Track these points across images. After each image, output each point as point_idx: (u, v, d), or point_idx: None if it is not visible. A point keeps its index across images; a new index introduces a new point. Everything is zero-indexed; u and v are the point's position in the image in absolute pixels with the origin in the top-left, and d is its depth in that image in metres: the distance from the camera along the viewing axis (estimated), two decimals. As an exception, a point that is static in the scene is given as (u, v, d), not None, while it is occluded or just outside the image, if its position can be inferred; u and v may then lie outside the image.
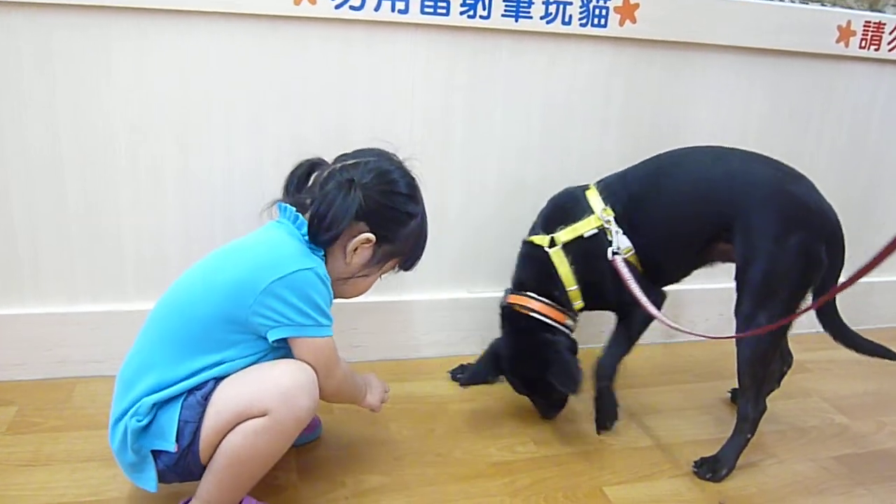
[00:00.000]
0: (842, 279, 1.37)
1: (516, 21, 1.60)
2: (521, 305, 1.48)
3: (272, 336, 1.08)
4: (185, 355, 1.07)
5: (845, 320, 1.44)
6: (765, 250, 1.33)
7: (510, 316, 1.51)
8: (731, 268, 1.46)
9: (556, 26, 1.63)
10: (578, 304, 1.49)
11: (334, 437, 1.43)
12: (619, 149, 1.79)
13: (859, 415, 1.67)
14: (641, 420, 1.56)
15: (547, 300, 1.48)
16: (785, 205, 1.35)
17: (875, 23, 1.86)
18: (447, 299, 1.80)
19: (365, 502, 1.25)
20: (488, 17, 1.58)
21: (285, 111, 1.55)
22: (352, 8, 1.49)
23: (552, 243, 1.47)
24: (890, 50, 1.91)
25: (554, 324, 1.47)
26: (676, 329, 1.32)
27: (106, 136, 1.47)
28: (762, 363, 1.38)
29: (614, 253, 1.42)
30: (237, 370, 1.09)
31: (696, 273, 1.52)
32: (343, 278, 1.21)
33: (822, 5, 1.85)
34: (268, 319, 1.07)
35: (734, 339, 1.37)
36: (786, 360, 1.62)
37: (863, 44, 1.88)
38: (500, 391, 1.66)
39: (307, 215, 1.14)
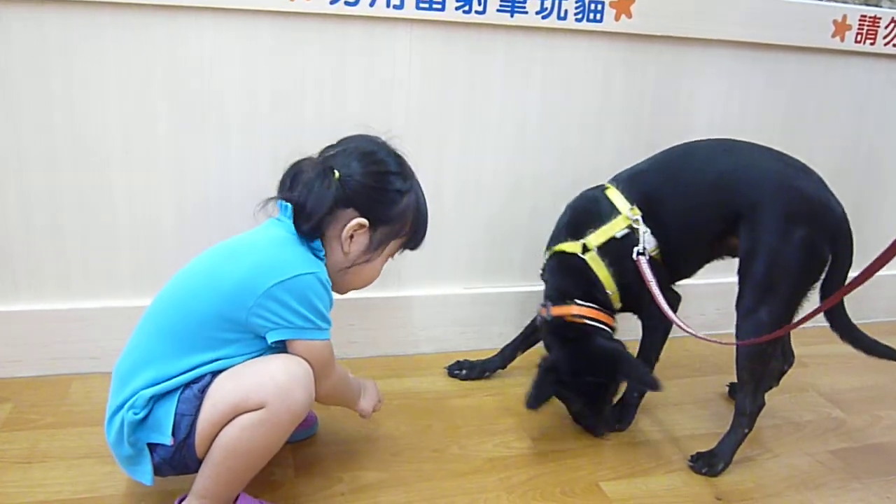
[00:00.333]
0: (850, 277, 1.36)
1: (511, 16, 1.60)
2: (573, 315, 1.43)
3: (271, 338, 1.08)
4: (184, 351, 1.07)
5: (849, 313, 1.43)
6: (768, 245, 1.33)
7: (561, 328, 1.45)
8: (727, 263, 1.47)
9: (552, 21, 1.62)
10: (618, 305, 1.48)
11: (331, 433, 1.43)
12: (617, 144, 1.79)
13: (855, 409, 1.68)
14: (639, 415, 1.55)
15: (595, 305, 1.44)
16: (790, 200, 1.35)
17: (871, 17, 1.86)
18: (444, 295, 1.80)
19: (362, 498, 1.25)
20: (483, 12, 1.57)
21: (281, 107, 1.54)
22: (347, 3, 1.49)
23: (585, 249, 1.44)
24: (885, 44, 1.91)
25: (606, 328, 1.45)
26: (698, 337, 1.31)
27: (100, 131, 1.47)
28: (761, 359, 1.39)
29: (639, 253, 1.40)
30: (235, 365, 1.09)
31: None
32: (345, 268, 1.19)
33: (818, 0, 1.85)
34: (267, 321, 1.07)
35: (733, 334, 1.37)
36: (787, 358, 1.62)
37: (858, 38, 1.88)
38: (497, 387, 1.67)
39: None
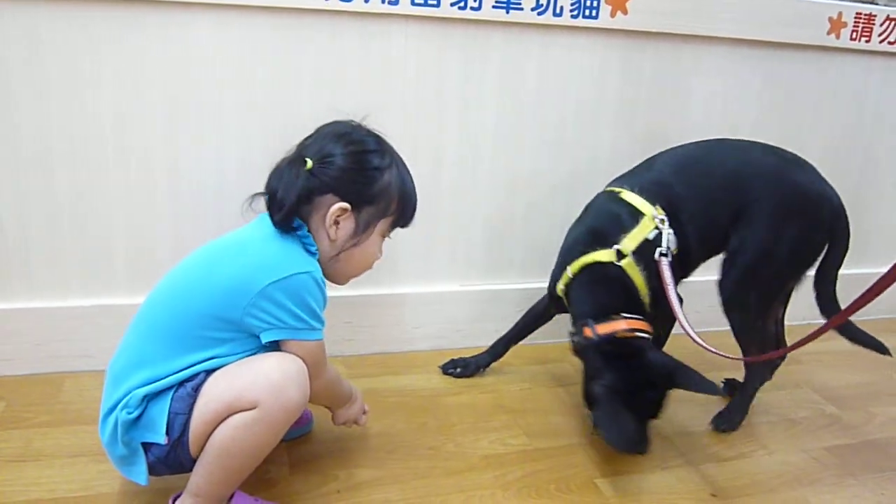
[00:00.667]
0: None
1: (507, 13, 1.59)
2: (623, 330, 1.35)
3: (265, 338, 1.08)
4: (177, 351, 1.07)
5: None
6: (759, 237, 1.38)
7: (611, 345, 1.35)
8: (719, 259, 1.47)
9: (548, 18, 1.62)
10: (649, 310, 1.43)
11: (326, 430, 1.43)
12: (612, 140, 1.79)
13: (850, 406, 1.68)
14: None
15: (639, 316, 1.38)
16: (785, 193, 1.40)
17: (866, 14, 1.86)
18: (440, 292, 1.80)
19: (357, 496, 1.25)
20: (479, 8, 1.57)
21: (276, 104, 1.54)
22: (342, -1, 1.49)
23: (620, 255, 1.38)
24: (881, 42, 1.92)
25: (650, 337, 1.39)
26: (710, 350, 1.32)
27: (95, 128, 1.46)
28: (754, 329, 1.47)
29: (662, 254, 1.37)
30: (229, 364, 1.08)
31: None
32: (335, 255, 1.17)
33: (814, -3, 1.85)
34: (261, 321, 1.06)
35: (722, 310, 1.45)
36: (780, 336, 1.62)
37: (854, 35, 1.88)
38: (492, 385, 1.67)
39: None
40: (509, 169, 1.75)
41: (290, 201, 1.09)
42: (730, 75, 1.85)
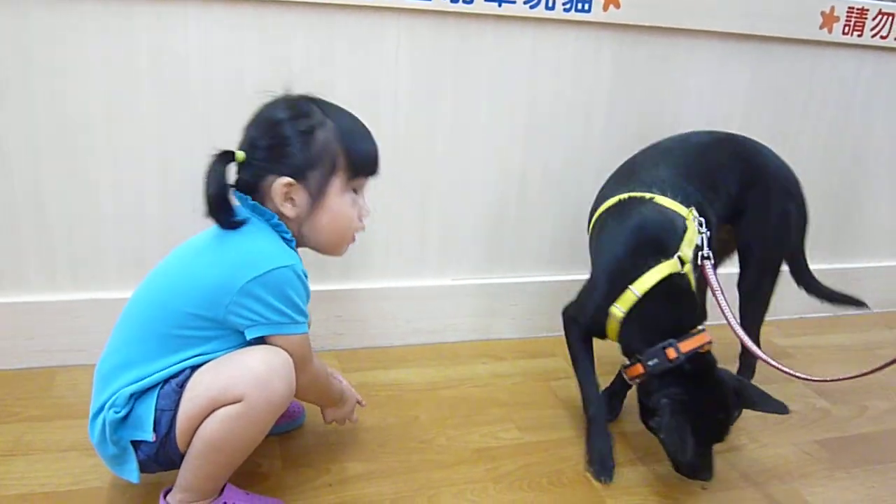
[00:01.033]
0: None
1: (500, 6, 1.59)
2: (706, 344, 1.25)
3: (249, 335, 1.07)
4: (163, 352, 1.06)
5: (834, 306, 1.53)
6: (770, 226, 1.48)
7: (690, 363, 1.24)
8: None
9: (540, 11, 1.62)
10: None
11: (318, 424, 1.43)
12: (605, 134, 1.79)
13: (841, 399, 1.68)
14: (626, 405, 1.56)
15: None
16: (779, 177, 1.48)
17: (858, 9, 1.86)
18: (431, 287, 1.79)
19: (348, 489, 1.25)
20: (471, 2, 1.56)
21: (266, 98, 1.52)
22: (334, -8, 1.48)
23: (682, 263, 1.29)
24: (873, 36, 1.92)
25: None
26: (779, 368, 1.30)
27: (85, 120, 1.45)
28: (763, 316, 1.55)
29: (704, 257, 1.32)
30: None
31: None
32: (302, 228, 1.13)
33: (806, -9, 1.85)
34: (244, 319, 1.05)
35: (740, 302, 1.48)
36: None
37: (846, 30, 1.88)
38: (485, 379, 1.67)
39: None
40: (502, 162, 1.75)
41: (210, 189, 1.06)
42: (722, 69, 1.85)
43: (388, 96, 1.61)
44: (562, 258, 1.87)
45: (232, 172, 1.10)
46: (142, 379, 1.05)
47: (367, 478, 1.29)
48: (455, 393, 1.60)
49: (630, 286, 1.27)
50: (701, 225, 1.33)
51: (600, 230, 1.41)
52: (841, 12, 1.85)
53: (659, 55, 1.78)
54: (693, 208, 1.35)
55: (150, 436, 1.04)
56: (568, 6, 1.63)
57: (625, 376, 1.32)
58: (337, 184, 1.12)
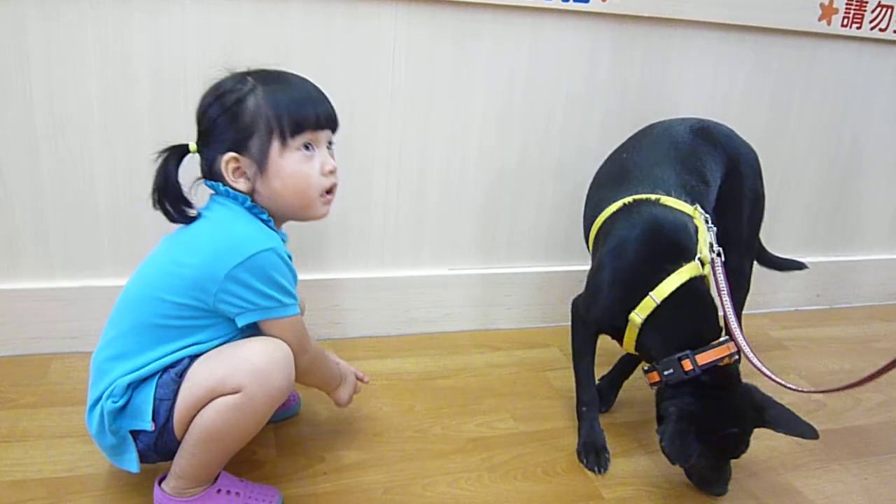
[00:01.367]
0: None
1: (498, -5, 1.58)
2: (723, 358, 1.21)
3: (240, 322, 1.07)
4: (158, 342, 1.06)
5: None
6: (748, 207, 1.51)
7: (712, 376, 1.20)
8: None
9: (538, 1, 1.61)
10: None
11: (313, 412, 1.43)
12: (603, 125, 1.79)
13: (835, 391, 1.69)
14: (620, 396, 1.56)
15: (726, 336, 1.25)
16: (748, 154, 1.51)
17: (857, 1, 1.86)
18: (428, 276, 1.79)
19: (344, 478, 1.25)
20: (469, -10, 1.56)
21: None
22: (331, -20, 1.47)
23: (702, 265, 1.26)
24: (872, 28, 1.91)
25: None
26: (779, 382, 1.27)
27: (80, 107, 1.45)
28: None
29: (717, 255, 1.27)
30: (213, 348, 1.08)
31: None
32: (267, 198, 1.11)
33: (806, -18, 1.85)
34: (233, 306, 1.05)
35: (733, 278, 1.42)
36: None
37: (845, 22, 1.88)
38: (480, 369, 1.67)
39: None
40: (499, 152, 1.75)
41: (158, 181, 1.11)
42: (721, 60, 1.84)
43: (385, 85, 1.60)
44: (558, 249, 1.87)
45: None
46: (139, 369, 1.05)
47: (363, 466, 1.29)
48: (451, 382, 1.60)
49: (650, 293, 1.23)
50: (707, 221, 1.30)
51: (608, 235, 1.34)
52: (840, 4, 1.85)
53: (657, 46, 1.77)
54: (697, 205, 1.33)
55: (149, 425, 1.04)
56: (566, -4, 1.63)
57: (646, 381, 1.29)
58: (276, 145, 1.09)
